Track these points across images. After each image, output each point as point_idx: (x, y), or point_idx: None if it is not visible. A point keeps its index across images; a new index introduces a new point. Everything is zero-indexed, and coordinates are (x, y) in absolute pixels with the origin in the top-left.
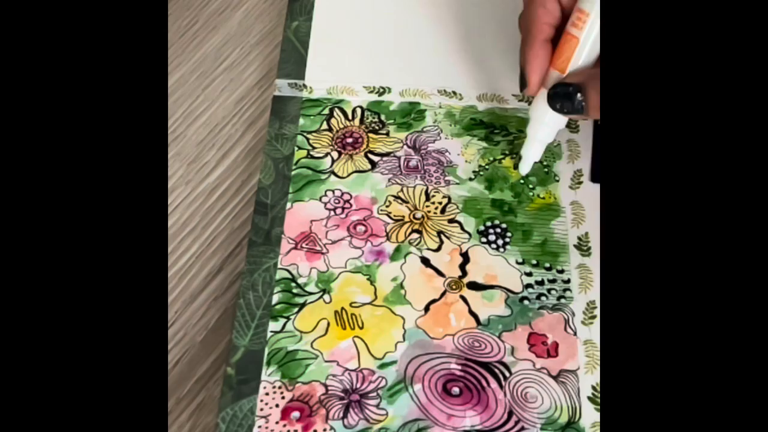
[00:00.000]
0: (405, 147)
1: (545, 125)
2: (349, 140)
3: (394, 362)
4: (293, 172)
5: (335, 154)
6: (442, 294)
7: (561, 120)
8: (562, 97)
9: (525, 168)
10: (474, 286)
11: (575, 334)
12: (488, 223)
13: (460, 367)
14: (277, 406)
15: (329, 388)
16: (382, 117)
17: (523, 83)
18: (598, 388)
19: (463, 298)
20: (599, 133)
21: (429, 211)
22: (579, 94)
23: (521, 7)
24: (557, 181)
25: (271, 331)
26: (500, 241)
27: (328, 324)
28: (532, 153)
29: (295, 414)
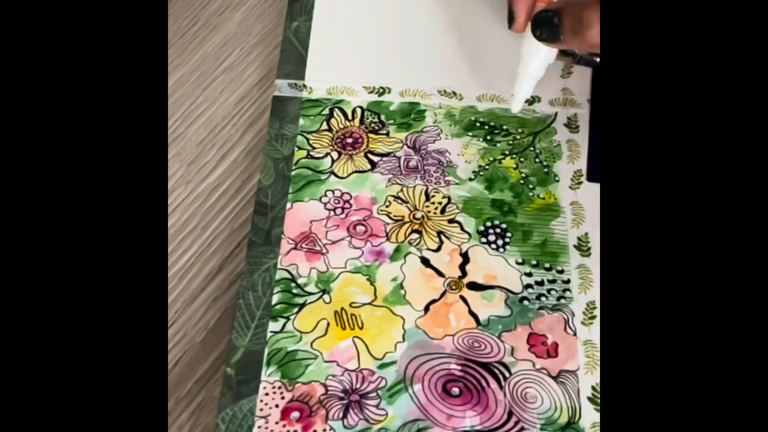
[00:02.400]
0: (405, 147)
1: (535, 58)
2: (349, 140)
3: (393, 362)
4: (293, 173)
5: (335, 155)
6: (442, 294)
7: (550, 54)
8: (542, 23)
9: (517, 105)
10: (474, 286)
11: (575, 334)
12: (488, 224)
13: (459, 368)
14: (276, 406)
15: (329, 388)
16: (382, 117)
17: (511, 19)
18: (598, 389)
19: (462, 298)
20: (595, 133)
21: (429, 212)
22: (556, 19)
23: None
24: (557, 181)
25: (271, 332)
26: (500, 242)
27: (328, 324)
28: (524, 90)
29: (295, 414)
